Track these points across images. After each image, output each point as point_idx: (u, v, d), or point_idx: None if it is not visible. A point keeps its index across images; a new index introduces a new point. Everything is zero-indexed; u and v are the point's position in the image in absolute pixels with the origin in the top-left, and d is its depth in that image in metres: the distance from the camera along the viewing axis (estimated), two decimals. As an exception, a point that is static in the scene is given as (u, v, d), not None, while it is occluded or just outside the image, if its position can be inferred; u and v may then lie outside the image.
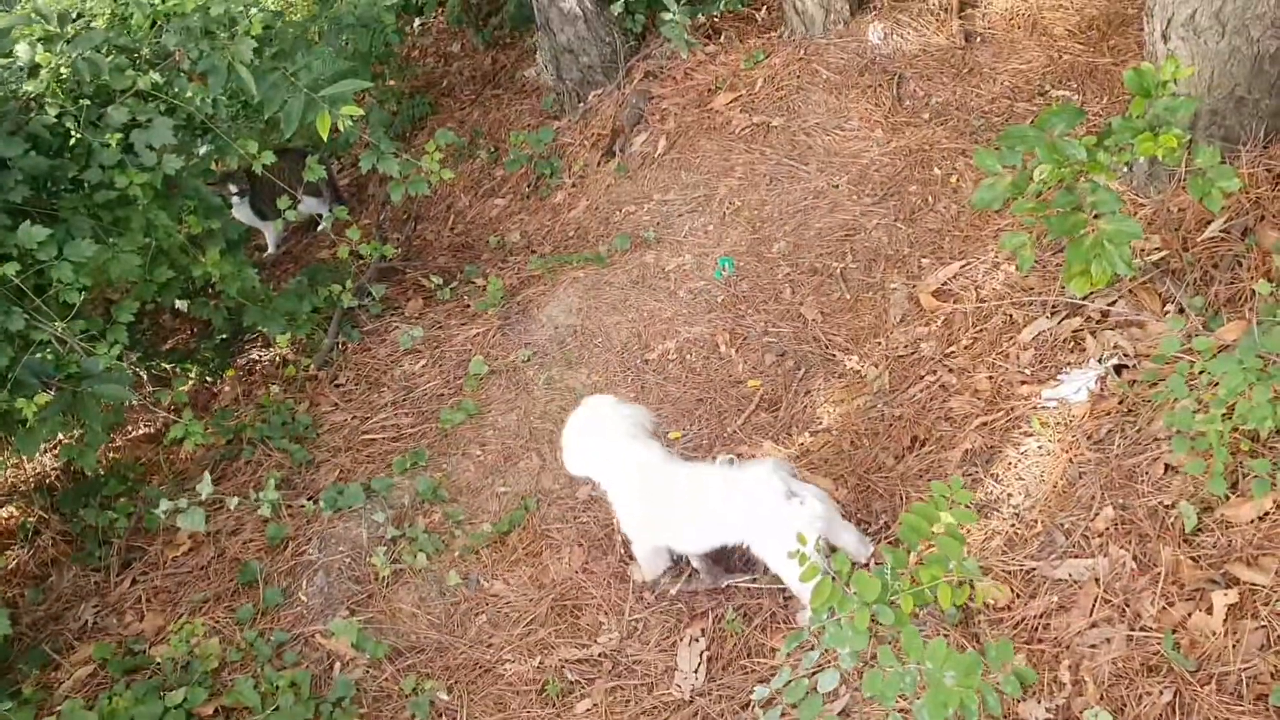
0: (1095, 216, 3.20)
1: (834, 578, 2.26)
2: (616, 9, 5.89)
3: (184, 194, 4.45)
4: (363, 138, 4.60)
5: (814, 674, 2.57)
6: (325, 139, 4.23)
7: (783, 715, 2.58)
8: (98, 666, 3.82)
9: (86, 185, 4.08)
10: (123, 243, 4.06)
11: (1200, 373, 3.07)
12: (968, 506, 2.35)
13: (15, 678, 3.81)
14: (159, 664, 3.76)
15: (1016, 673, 2.27)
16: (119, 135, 3.98)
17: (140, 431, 5.10)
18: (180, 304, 5.28)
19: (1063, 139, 3.25)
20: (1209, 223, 3.87)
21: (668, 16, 5.60)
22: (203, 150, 4.77)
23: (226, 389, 5.12)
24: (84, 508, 4.41)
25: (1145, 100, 3.27)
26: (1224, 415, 3.01)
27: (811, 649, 2.46)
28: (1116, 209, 3.20)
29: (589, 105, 5.98)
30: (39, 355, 3.83)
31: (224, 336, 5.35)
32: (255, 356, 5.33)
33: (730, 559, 3.68)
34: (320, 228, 6.26)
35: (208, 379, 5.21)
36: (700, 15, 5.94)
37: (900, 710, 2.38)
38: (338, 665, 3.70)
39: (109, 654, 3.82)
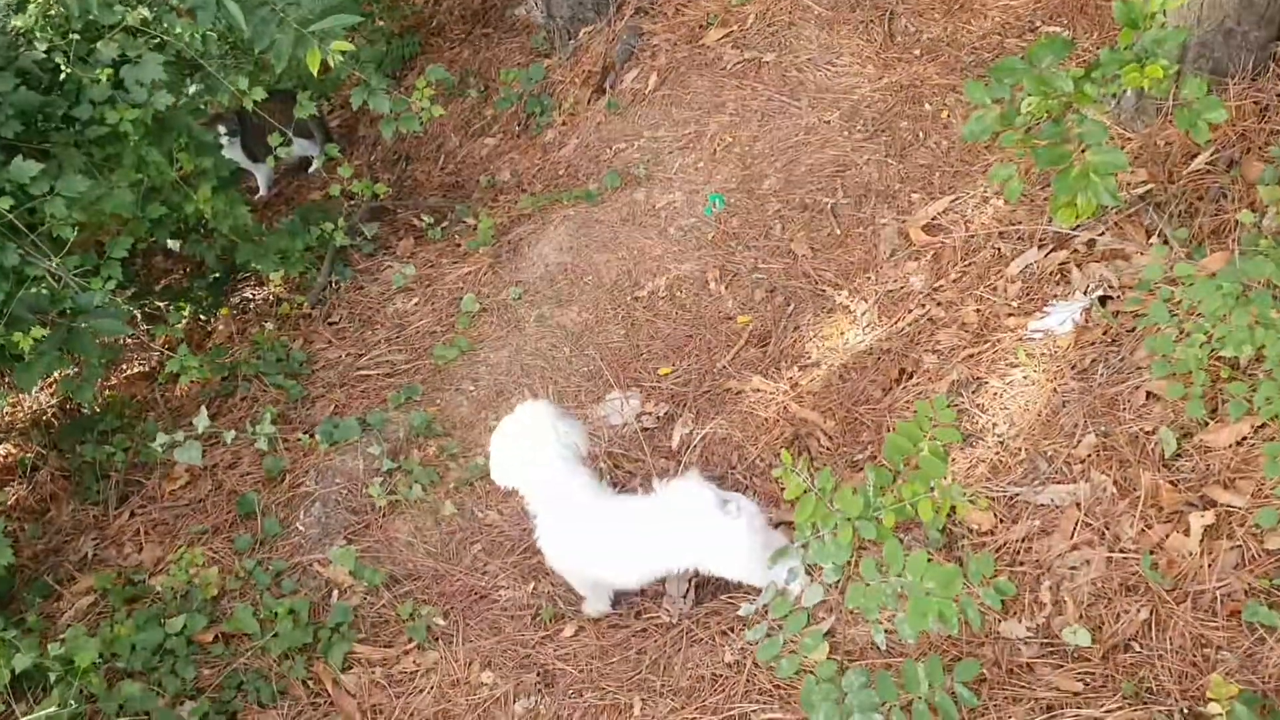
0: (1082, 149, 3.22)
1: (817, 495, 2.32)
2: (607, -56, 5.85)
3: (175, 131, 4.45)
4: (354, 75, 4.60)
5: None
6: (315, 75, 4.22)
7: (768, 633, 2.64)
8: (99, 596, 3.90)
9: (78, 122, 4.08)
10: (115, 179, 4.07)
11: (1179, 301, 3.11)
12: (952, 426, 2.40)
13: (19, 607, 3.89)
14: (159, 593, 3.85)
15: (996, 586, 2.33)
16: (109, 71, 3.96)
17: (135, 370, 5.14)
18: (172, 244, 5.30)
19: (1051, 71, 3.27)
20: (1195, 156, 3.90)
21: (658, -48, 5.57)
22: (192, 89, 4.75)
23: (220, 327, 5.15)
24: (81, 444, 4.46)
25: (1133, 32, 3.28)
26: (1204, 341, 3.06)
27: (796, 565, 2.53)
28: (1103, 140, 3.22)
29: (579, 42, 5.95)
30: (34, 291, 3.86)
31: (217, 275, 5.36)
32: (249, 295, 5.36)
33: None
34: (311, 169, 6.26)
35: (201, 317, 5.23)
36: (690, -49, 5.90)
37: (882, 623, 2.46)
38: (335, 592, 3.78)
39: (109, 584, 3.89)
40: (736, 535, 3.15)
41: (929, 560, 2.21)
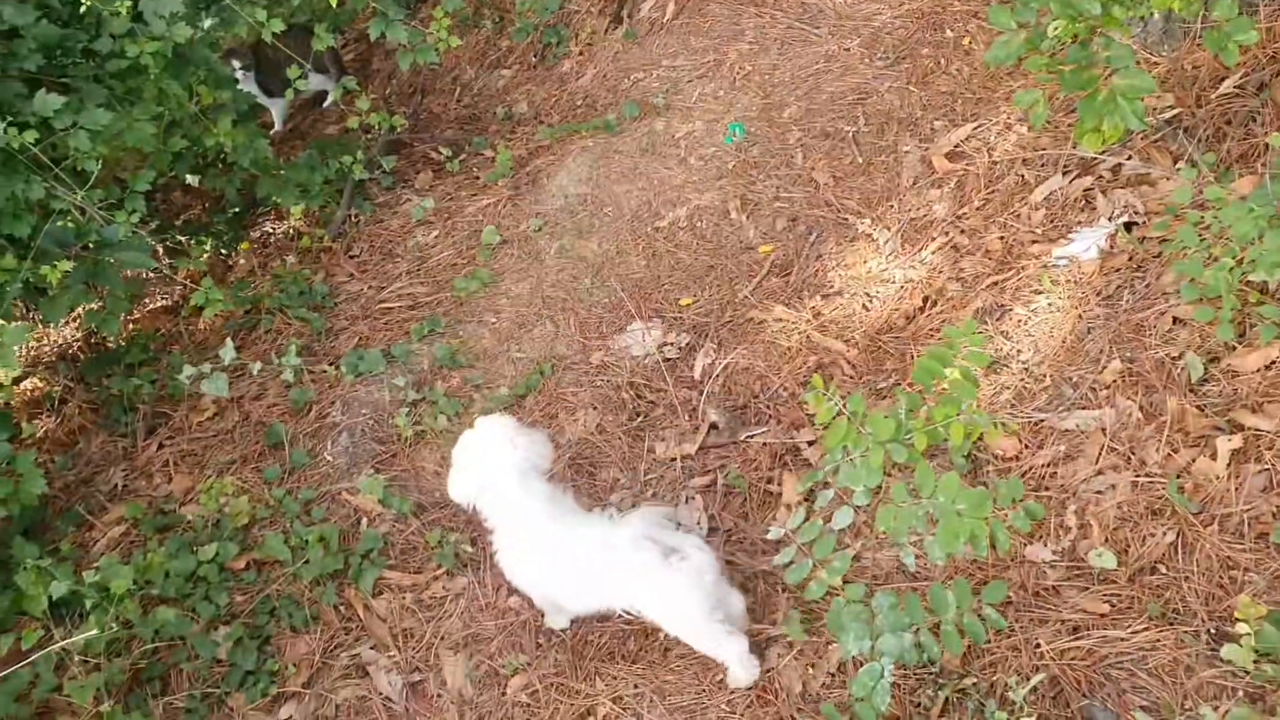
0: (1109, 72, 3.19)
1: (850, 418, 2.34)
2: None
3: (193, 65, 4.44)
4: (370, 7, 4.57)
5: (828, 515, 2.67)
6: (332, 6, 4.20)
7: (790, 562, 2.66)
8: (130, 525, 3.96)
9: (98, 55, 4.06)
10: (136, 112, 4.06)
11: (1208, 226, 3.10)
12: (980, 351, 2.41)
13: (53, 537, 3.95)
14: (189, 522, 3.90)
15: (1025, 509, 2.35)
16: (128, 3, 3.95)
17: (158, 304, 5.16)
18: (191, 179, 5.30)
19: None
20: (1223, 79, 3.85)
21: (675, -123, 5.49)
22: (208, 22, 4.73)
23: (241, 261, 5.17)
24: (108, 377, 4.51)
25: (1162, -48, 3.24)
26: (1233, 265, 3.05)
27: (827, 487, 2.55)
28: (1130, 63, 3.19)
29: (594, -29, 5.89)
30: (59, 224, 3.88)
31: (237, 210, 5.36)
32: (269, 229, 5.37)
33: (746, 415, 3.75)
34: (327, 103, 6.23)
35: (222, 252, 5.24)
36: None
37: (911, 546, 2.49)
38: (364, 520, 3.83)
39: (140, 513, 3.94)
40: (677, 591, 2.95)
41: (959, 480, 2.23)
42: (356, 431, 4.10)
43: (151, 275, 4.99)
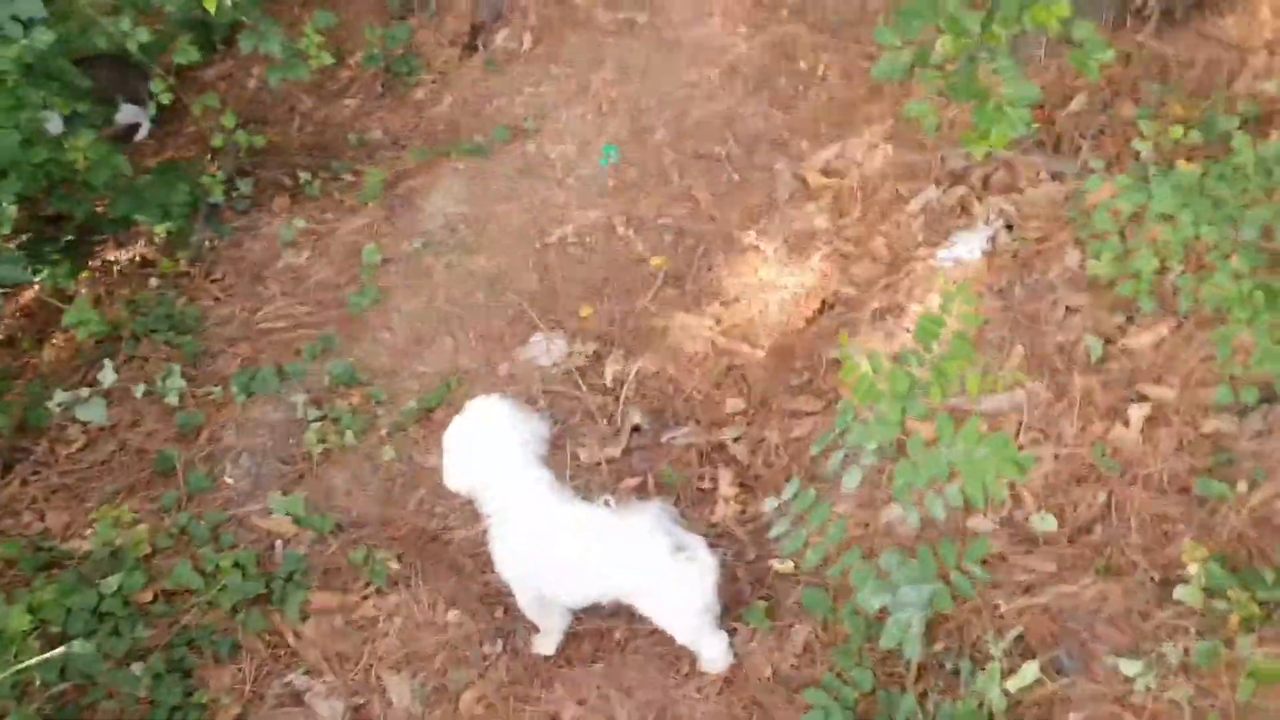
0: (996, 82, 3.51)
1: (870, 374, 2.46)
2: (466, -96, 5.82)
3: (50, 75, 4.16)
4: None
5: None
6: (214, 10, 4.04)
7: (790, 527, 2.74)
8: (5, 565, 3.59)
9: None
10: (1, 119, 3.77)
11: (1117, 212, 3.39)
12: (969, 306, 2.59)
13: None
14: (76, 557, 3.58)
15: (1017, 460, 2.51)
16: (-11, 4, 3.68)
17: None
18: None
19: (960, 12, 3.54)
20: (1070, 99, 4.29)
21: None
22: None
23: (84, 291, 4.79)
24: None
25: (1030, -22, 3.60)
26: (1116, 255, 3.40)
27: (838, 447, 2.64)
28: (1017, 75, 3.51)
29: (441, 2, 5.89)
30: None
31: (70, 238, 4.99)
32: (110, 258, 5.02)
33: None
34: (140, 135, 5.89)
35: (58, 283, 4.85)
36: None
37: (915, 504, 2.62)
38: (279, 543, 3.63)
39: (17, 551, 3.59)
40: (682, 586, 2.99)
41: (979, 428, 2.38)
42: (257, 453, 3.89)
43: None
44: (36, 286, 4.78)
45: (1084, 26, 3.77)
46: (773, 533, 2.80)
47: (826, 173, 4.58)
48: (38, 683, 3.19)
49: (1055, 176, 4.12)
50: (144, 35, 4.18)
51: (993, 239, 4.01)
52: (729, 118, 4.96)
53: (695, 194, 4.67)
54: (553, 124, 5.13)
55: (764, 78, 5.10)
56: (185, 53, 4.45)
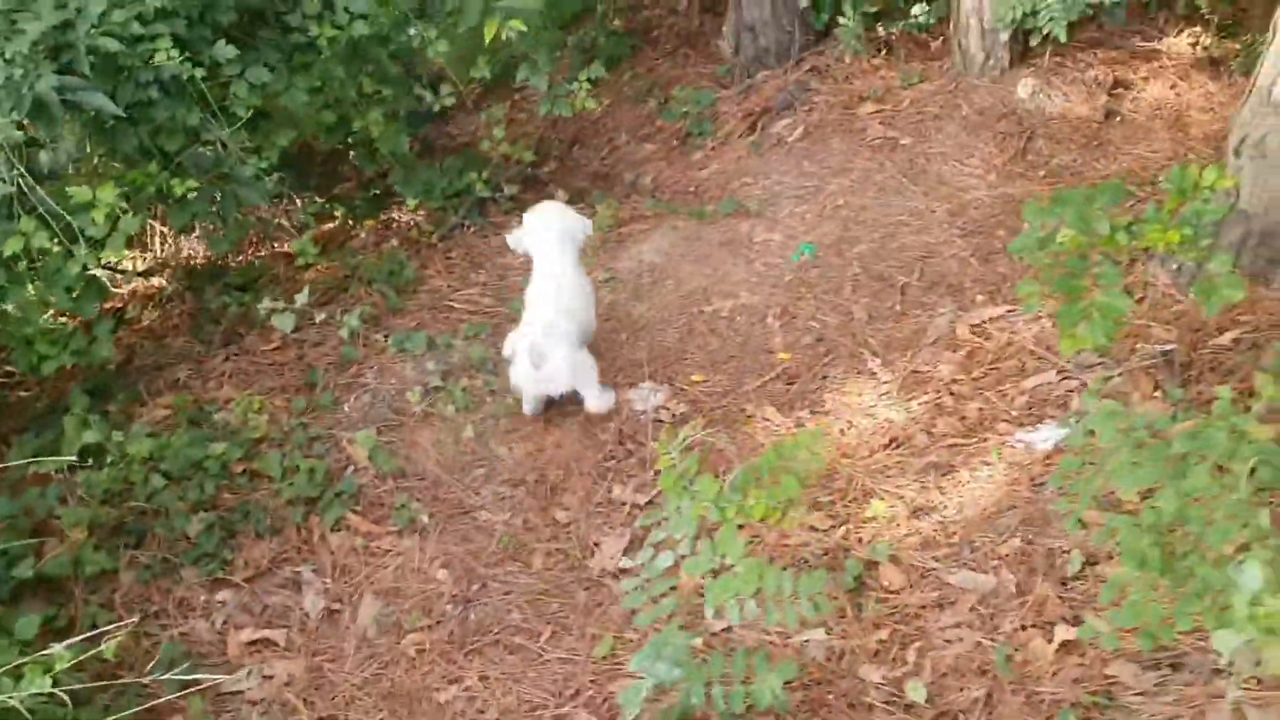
0: (1095, 286, 3.51)
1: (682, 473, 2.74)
2: (804, 2, 6.31)
3: (365, 59, 5.18)
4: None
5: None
6: (487, 42, 4.87)
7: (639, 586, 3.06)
8: (172, 412, 4.62)
9: (286, 26, 4.82)
10: (298, 80, 4.80)
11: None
12: (818, 454, 2.78)
13: (109, 400, 4.65)
14: (215, 423, 4.54)
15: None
16: (328, -9, 4.71)
17: (283, 249, 5.91)
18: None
19: (1096, 211, 3.58)
20: (1225, 332, 4.09)
21: (844, 21, 6.02)
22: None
23: (362, 235, 5.87)
24: (210, 291, 5.24)
25: (1179, 198, 3.58)
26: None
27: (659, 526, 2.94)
28: (1116, 284, 3.50)
29: (754, 82, 6.44)
30: (202, 150, 4.63)
31: (377, 192, 6.10)
32: (395, 217, 6.07)
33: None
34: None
35: (350, 222, 5.97)
36: (880, 28, 6.31)
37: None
38: (351, 467, 4.38)
39: (184, 404, 4.60)
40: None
41: (744, 545, 2.60)
42: (379, 395, 4.68)
43: (284, 223, 5.75)
44: (335, 218, 5.91)
45: (1220, 259, 3.72)
46: (622, 586, 3.11)
47: (977, 330, 4.63)
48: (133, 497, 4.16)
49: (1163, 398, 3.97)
50: (443, 45, 5.08)
51: (1066, 438, 3.95)
52: (928, 252, 5.10)
53: (853, 310, 4.88)
54: (775, 211, 5.53)
55: (984, 226, 5.18)
56: (478, 68, 5.32)
